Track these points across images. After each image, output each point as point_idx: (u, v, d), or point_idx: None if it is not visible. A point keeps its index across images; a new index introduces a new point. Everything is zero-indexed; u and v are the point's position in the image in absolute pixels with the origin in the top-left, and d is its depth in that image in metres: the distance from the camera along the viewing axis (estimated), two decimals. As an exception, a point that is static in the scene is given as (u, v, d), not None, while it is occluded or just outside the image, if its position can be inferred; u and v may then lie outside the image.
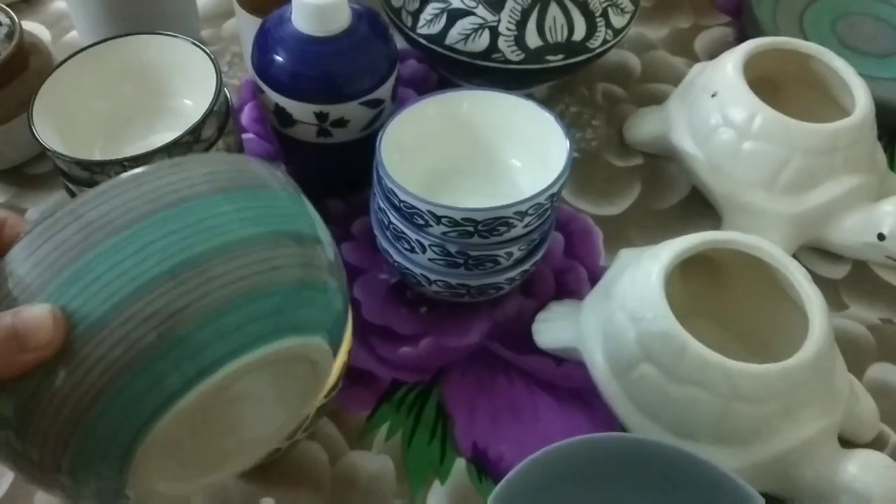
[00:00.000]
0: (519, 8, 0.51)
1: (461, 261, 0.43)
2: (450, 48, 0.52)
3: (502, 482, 0.35)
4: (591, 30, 0.53)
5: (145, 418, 0.26)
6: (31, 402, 0.26)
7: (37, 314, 0.25)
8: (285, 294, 0.28)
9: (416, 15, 0.53)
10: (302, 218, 0.30)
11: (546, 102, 0.46)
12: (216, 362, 0.26)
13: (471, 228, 0.41)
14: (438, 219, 0.41)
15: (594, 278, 0.50)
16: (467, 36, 0.52)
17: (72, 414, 0.25)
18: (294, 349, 0.29)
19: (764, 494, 0.35)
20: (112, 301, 0.25)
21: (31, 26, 0.66)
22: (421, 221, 0.42)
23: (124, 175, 0.27)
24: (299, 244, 0.29)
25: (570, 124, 0.60)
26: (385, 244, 0.46)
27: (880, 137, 0.53)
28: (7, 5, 0.55)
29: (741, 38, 0.59)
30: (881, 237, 0.49)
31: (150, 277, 0.25)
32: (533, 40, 0.51)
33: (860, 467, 0.39)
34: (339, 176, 0.53)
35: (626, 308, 0.41)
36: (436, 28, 0.52)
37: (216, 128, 0.46)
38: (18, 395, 0.26)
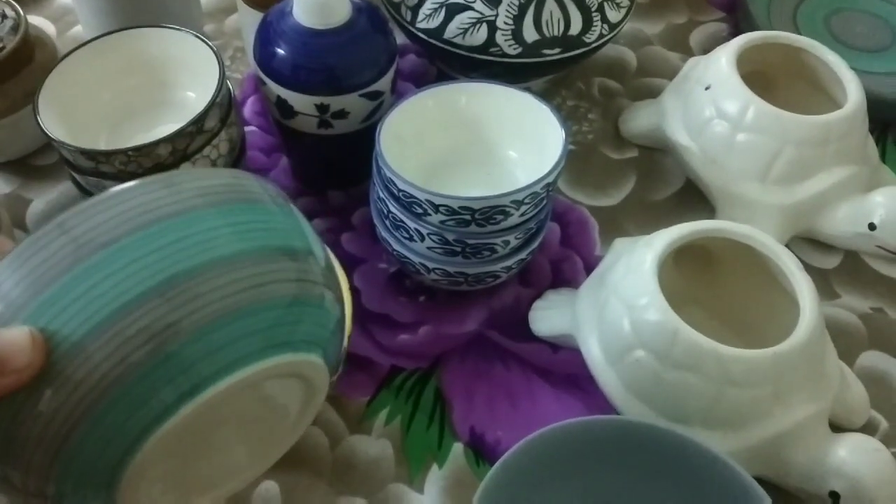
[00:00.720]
0: (516, 2, 0.52)
1: (459, 249, 0.44)
2: (448, 42, 0.53)
3: (498, 463, 0.35)
4: (588, 24, 0.53)
5: (133, 438, 0.25)
6: (12, 425, 0.25)
7: (15, 336, 0.24)
8: (279, 310, 0.27)
9: (415, 9, 0.54)
10: (295, 232, 0.29)
11: (543, 97, 0.47)
12: (208, 378, 0.26)
13: (468, 217, 0.42)
14: (436, 207, 0.42)
15: (590, 267, 0.51)
16: (465, 30, 0.52)
17: (55, 436, 0.25)
18: (288, 366, 0.28)
19: (755, 477, 0.35)
20: (96, 319, 0.24)
21: (37, 21, 0.67)
22: (419, 210, 0.43)
23: (114, 189, 0.26)
24: (293, 259, 0.28)
25: (567, 118, 0.61)
26: (384, 233, 0.47)
27: (872, 131, 0.53)
28: (13, -1, 0.56)
29: (736, 33, 0.59)
30: (872, 227, 0.49)
31: (138, 293, 0.25)
32: (530, 34, 0.52)
33: (850, 450, 0.40)
34: (339, 167, 0.54)
35: (620, 295, 0.42)
36: (434, 22, 0.53)
37: (219, 119, 0.46)
38: (0, 420, 0.25)
